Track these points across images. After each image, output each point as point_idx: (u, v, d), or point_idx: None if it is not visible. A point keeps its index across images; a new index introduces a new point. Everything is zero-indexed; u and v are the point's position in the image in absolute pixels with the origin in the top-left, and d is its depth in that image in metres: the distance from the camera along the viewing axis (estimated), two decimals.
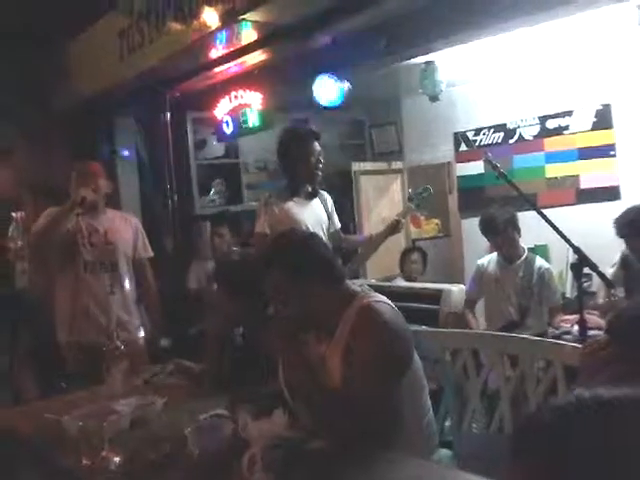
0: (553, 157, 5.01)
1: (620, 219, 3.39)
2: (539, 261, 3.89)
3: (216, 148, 5.55)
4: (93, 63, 4.75)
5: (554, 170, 5.00)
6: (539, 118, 5.06)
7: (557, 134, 4.97)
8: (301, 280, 1.87)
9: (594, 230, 4.31)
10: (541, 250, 4.90)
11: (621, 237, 3.39)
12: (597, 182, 4.77)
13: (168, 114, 4.75)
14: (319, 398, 1.88)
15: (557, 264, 4.81)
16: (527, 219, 4.59)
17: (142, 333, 3.59)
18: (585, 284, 3.07)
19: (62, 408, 2.22)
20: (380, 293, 2.01)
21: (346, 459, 1.70)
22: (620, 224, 3.36)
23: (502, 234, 3.83)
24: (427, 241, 5.85)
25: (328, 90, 4.15)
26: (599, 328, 2.93)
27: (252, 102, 4.29)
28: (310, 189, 3.32)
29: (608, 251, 4.05)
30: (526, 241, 4.93)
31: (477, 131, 5.46)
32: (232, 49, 3.85)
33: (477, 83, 5.22)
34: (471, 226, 5.59)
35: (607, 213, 4.67)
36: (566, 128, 4.91)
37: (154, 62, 4.09)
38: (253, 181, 5.74)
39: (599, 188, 4.75)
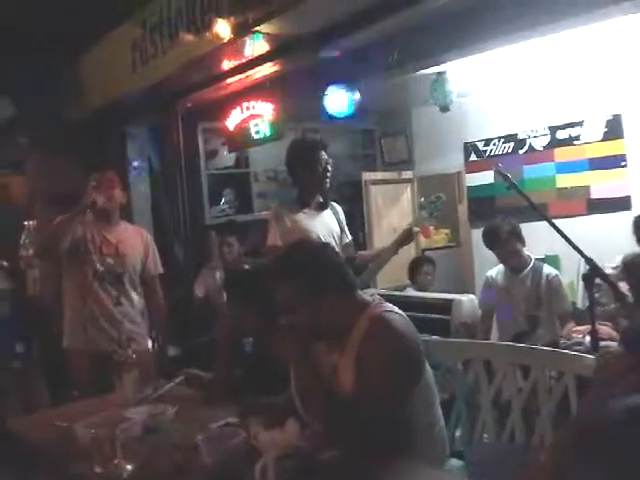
0: (564, 167, 5.00)
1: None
2: (547, 269, 3.87)
3: (227, 158, 5.58)
4: (106, 74, 4.79)
5: (565, 180, 5.00)
6: (549, 128, 5.06)
7: (568, 144, 4.96)
8: (312, 290, 1.88)
9: (605, 240, 4.30)
10: (552, 261, 4.89)
11: (637, 238, 3.36)
12: (608, 192, 4.76)
13: (180, 125, 4.77)
14: (331, 407, 1.88)
15: (568, 275, 4.79)
16: (538, 230, 4.58)
17: (150, 344, 3.60)
18: (596, 294, 3.05)
19: (73, 416, 2.23)
20: (390, 303, 2.01)
21: (358, 468, 1.70)
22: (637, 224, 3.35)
23: (506, 246, 3.83)
24: (437, 251, 5.84)
25: (339, 101, 4.17)
26: (611, 339, 2.92)
27: (263, 113, 4.32)
28: (321, 200, 3.33)
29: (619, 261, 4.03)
30: (537, 252, 4.92)
31: (487, 141, 5.47)
32: (244, 61, 3.87)
33: (487, 93, 5.23)
34: (481, 236, 5.59)
35: (618, 223, 4.68)
36: (577, 138, 4.91)
37: (167, 73, 4.12)
38: (263, 190, 5.76)
39: (610, 198, 4.74)
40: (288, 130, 4.57)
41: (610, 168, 4.73)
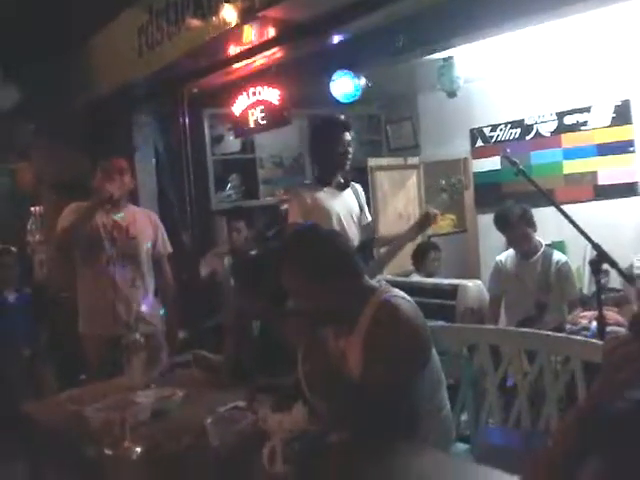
0: (571, 153, 4.98)
1: None
2: (557, 255, 3.88)
3: (232, 143, 5.57)
4: (112, 60, 4.78)
5: (572, 166, 4.98)
6: (557, 114, 5.03)
7: (575, 130, 4.94)
8: (320, 275, 1.89)
9: (612, 226, 4.30)
10: (558, 247, 4.87)
11: None
12: (615, 178, 4.73)
13: (185, 110, 4.77)
14: (338, 392, 1.89)
15: (574, 260, 4.78)
16: (544, 215, 4.58)
17: (161, 326, 3.63)
18: (602, 280, 3.05)
19: (83, 399, 2.25)
20: (396, 289, 2.02)
21: (364, 452, 1.71)
22: None
23: (516, 229, 3.83)
24: (443, 237, 5.84)
25: (345, 86, 4.15)
26: (618, 324, 2.92)
27: (270, 98, 4.31)
28: (342, 180, 3.31)
29: (626, 247, 4.04)
30: (544, 237, 4.91)
31: (494, 127, 5.44)
32: (250, 46, 3.86)
33: (494, 79, 5.20)
34: (487, 222, 5.57)
35: (625, 209, 4.67)
36: (584, 124, 4.88)
37: (173, 59, 4.11)
38: (269, 176, 5.75)
39: (617, 184, 4.72)
40: (294, 116, 4.55)
41: (618, 154, 4.70)
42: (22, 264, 5.23)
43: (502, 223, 3.90)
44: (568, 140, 4.99)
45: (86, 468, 2.00)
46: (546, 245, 4.01)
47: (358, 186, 3.44)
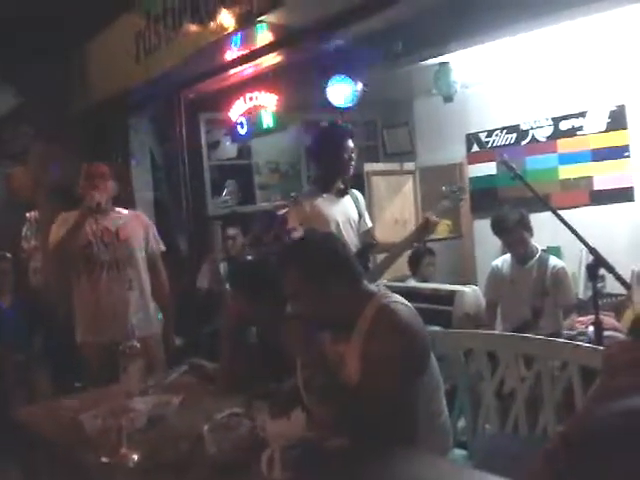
0: (566, 158, 4.99)
1: None
2: (553, 260, 3.88)
3: (229, 149, 5.57)
4: (109, 65, 4.78)
5: (567, 171, 4.99)
6: (552, 119, 5.05)
7: (570, 135, 4.95)
8: (319, 280, 1.88)
9: (608, 231, 4.31)
10: (554, 252, 4.88)
11: None
12: (611, 183, 4.75)
13: (182, 115, 4.77)
14: (336, 397, 1.89)
15: (570, 266, 4.78)
16: (540, 221, 4.59)
17: (158, 330, 3.61)
18: (599, 285, 3.05)
19: (79, 406, 2.24)
20: (395, 294, 2.02)
21: (363, 458, 1.71)
22: None
23: (513, 234, 3.84)
24: (438, 242, 5.84)
25: (342, 91, 4.16)
26: (614, 329, 2.93)
27: (267, 103, 4.31)
28: (342, 186, 3.33)
29: (622, 252, 4.05)
30: (539, 242, 4.91)
31: (489, 132, 5.46)
32: (247, 51, 3.86)
33: (490, 84, 5.22)
34: (483, 227, 5.58)
35: (621, 214, 4.68)
36: (579, 129, 4.90)
37: (170, 64, 4.11)
38: (265, 182, 5.75)
39: (613, 189, 4.73)
40: (291, 122, 4.57)
41: (613, 159, 4.72)
42: (17, 270, 5.21)
43: (499, 228, 3.91)
44: (564, 145, 5.00)
45: (82, 476, 1.99)
46: (542, 250, 4.01)
47: (357, 193, 3.45)
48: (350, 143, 3.26)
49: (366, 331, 1.87)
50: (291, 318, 2.06)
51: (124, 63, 4.58)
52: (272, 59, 3.91)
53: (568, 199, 4.81)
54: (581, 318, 3.43)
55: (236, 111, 4.57)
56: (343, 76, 4.11)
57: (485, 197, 5.48)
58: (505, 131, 5.34)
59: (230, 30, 3.55)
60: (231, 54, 3.96)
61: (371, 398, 1.79)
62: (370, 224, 3.45)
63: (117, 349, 2.54)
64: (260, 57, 3.88)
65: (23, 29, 4.67)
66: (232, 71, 4.15)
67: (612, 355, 1.24)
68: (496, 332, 3.54)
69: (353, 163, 3.29)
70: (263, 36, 3.67)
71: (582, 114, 4.87)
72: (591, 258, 2.59)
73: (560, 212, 2.72)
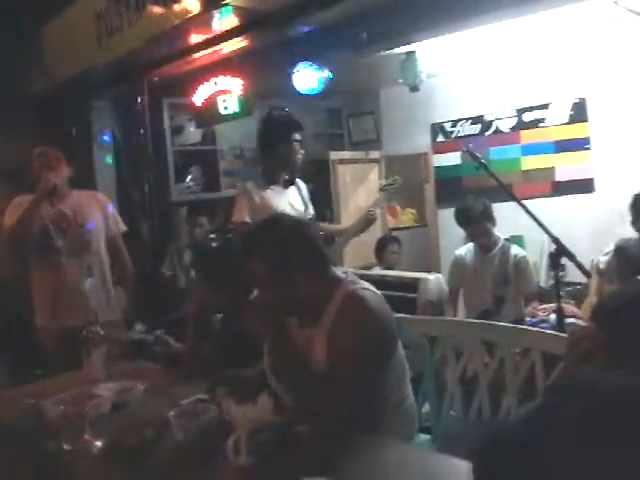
0: (529, 149, 5.07)
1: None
2: (515, 249, 3.94)
3: (193, 134, 5.49)
4: (69, 46, 4.66)
5: (530, 162, 5.07)
6: (516, 111, 5.12)
7: (533, 127, 5.02)
8: (286, 265, 1.87)
9: (568, 222, 4.39)
10: (517, 241, 4.95)
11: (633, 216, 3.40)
12: (572, 175, 4.84)
13: (146, 99, 4.68)
14: (303, 382, 1.89)
15: (532, 255, 4.86)
16: (502, 210, 4.65)
17: (119, 314, 3.56)
18: (560, 274, 3.11)
19: (41, 393, 2.20)
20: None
21: (329, 443, 1.71)
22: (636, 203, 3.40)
23: (477, 225, 3.89)
24: (403, 231, 5.88)
25: (308, 78, 4.14)
26: (575, 317, 2.99)
27: (231, 88, 4.26)
28: (287, 177, 3.34)
29: (582, 242, 4.13)
30: (502, 232, 4.98)
31: (454, 122, 5.50)
32: (212, 35, 3.80)
33: (455, 74, 5.25)
34: (447, 216, 5.63)
35: (581, 205, 4.78)
36: (542, 121, 4.97)
37: (133, 46, 4.02)
38: (230, 168, 5.70)
39: (574, 181, 4.82)
40: (256, 107, 4.52)
41: (574, 151, 4.81)
42: None
43: (463, 218, 3.96)
44: (527, 137, 5.08)
45: (44, 463, 1.95)
46: (505, 239, 4.07)
47: (301, 182, 3.49)
48: (296, 136, 3.28)
49: (333, 317, 1.87)
50: (257, 303, 2.05)
51: (85, 44, 4.46)
52: (237, 43, 3.85)
53: (530, 190, 4.89)
54: (543, 306, 3.49)
55: (200, 96, 4.51)
56: (309, 63, 4.08)
57: (449, 187, 5.53)
58: (470, 121, 5.39)
59: (195, 13, 3.49)
60: (196, 37, 3.89)
61: (338, 383, 1.79)
62: (312, 213, 3.48)
63: (77, 335, 2.50)
64: (225, 41, 3.83)
65: None
66: (196, 55, 4.08)
67: (577, 340, 1.27)
68: (460, 319, 3.59)
69: (299, 156, 3.31)
70: (228, 20, 3.62)
71: (545, 106, 4.94)
72: (553, 247, 2.64)
73: (523, 202, 2.76)
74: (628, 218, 3.48)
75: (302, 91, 4.21)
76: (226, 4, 3.37)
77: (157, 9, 3.72)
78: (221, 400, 1.84)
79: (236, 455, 1.61)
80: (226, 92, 4.32)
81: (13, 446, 2.14)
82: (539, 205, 4.24)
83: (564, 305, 2.73)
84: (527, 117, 5.06)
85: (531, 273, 3.94)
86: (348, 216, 5.54)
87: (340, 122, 6.43)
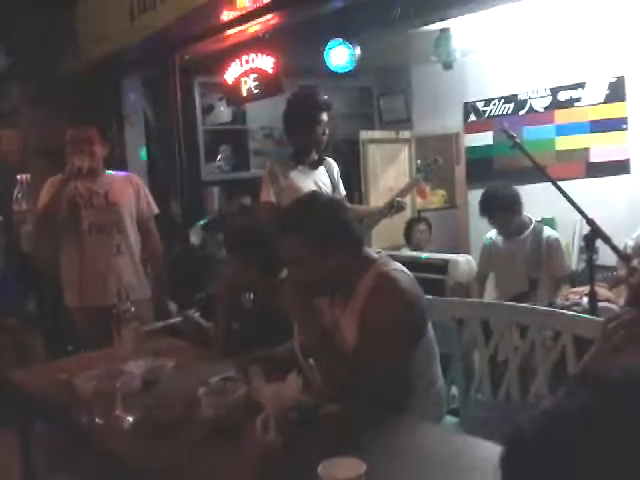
0: (564, 129, 4.96)
1: None
2: (547, 231, 3.86)
3: (223, 114, 5.49)
4: (102, 24, 4.67)
5: (564, 143, 4.96)
6: (551, 90, 5.00)
7: (568, 106, 4.91)
8: (320, 244, 1.86)
9: (603, 204, 4.29)
10: (548, 223, 4.88)
11: None
12: (607, 156, 4.72)
13: (177, 78, 4.68)
14: (333, 361, 1.89)
15: (564, 237, 4.79)
16: (535, 192, 4.58)
17: (150, 294, 3.59)
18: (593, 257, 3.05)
19: (73, 369, 2.24)
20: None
21: (358, 423, 1.71)
22: None
23: (497, 217, 3.81)
24: (433, 212, 5.83)
25: (339, 56, 4.10)
26: (608, 300, 2.94)
27: (262, 67, 4.23)
28: (315, 157, 3.31)
29: (617, 225, 4.05)
30: (533, 214, 4.91)
31: (487, 102, 5.40)
32: (244, 12, 3.78)
33: (488, 53, 5.15)
34: (478, 197, 5.55)
35: (616, 187, 4.67)
36: (578, 100, 4.86)
37: (165, 23, 4.00)
38: (259, 148, 5.69)
39: (609, 162, 4.71)
40: (286, 86, 4.49)
41: (611, 131, 4.69)
42: (9, 234, 5.16)
43: (483, 209, 3.89)
44: (561, 116, 4.97)
45: (77, 438, 1.99)
46: (536, 221, 4.00)
47: (332, 162, 3.44)
48: (324, 117, 3.22)
49: (365, 297, 1.86)
50: (289, 282, 2.05)
51: (117, 22, 4.47)
52: (269, 21, 3.82)
53: (564, 170, 4.79)
54: (575, 289, 3.44)
55: (231, 74, 4.49)
56: (341, 40, 4.04)
57: (480, 167, 5.45)
58: (503, 100, 5.29)
59: None
60: (227, 14, 3.87)
61: (368, 364, 1.79)
62: (343, 193, 3.44)
63: (107, 313, 2.53)
64: (256, 19, 3.80)
65: None
66: (228, 32, 4.06)
67: (613, 332, 1.23)
68: (490, 301, 3.55)
69: (326, 137, 3.26)
70: None
71: (581, 85, 4.82)
72: (586, 229, 2.59)
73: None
74: None
75: (333, 69, 4.17)
76: None
77: None
78: (251, 379, 1.85)
79: (265, 434, 1.62)
80: (257, 70, 4.29)
81: (46, 420, 2.19)
82: (573, 186, 4.16)
83: (597, 289, 2.68)
84: (562, 96, 4.95)
85: (563, 255, 3.86)
86: (377, 196, 5.51)
87: (371, 101, 6.36)
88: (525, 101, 5.16)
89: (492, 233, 4.08)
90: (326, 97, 3.36)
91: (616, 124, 4.66)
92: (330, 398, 1.76)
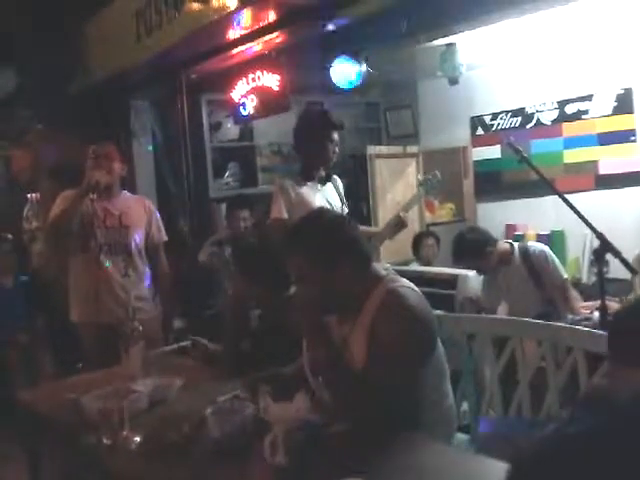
0: (572, 142, 4.95)
1: None
2: (531, 247, 3.79)
3: (230, 131, 5.52)
4: (109, 44, 4.72)
5: (572, 156, 4.94)
6: (558, 102, 4.99)
7: (576, 119, 4.90)
8: (327, 261, 1.85)
9: (613, 216, 4.27)
10: (557, 236, 4.87)
11: None
12: (616, 168, 4.70)
13: (184, 96, 4.71)
14: (342, 379, 1.87)
15: (574, 250, 4.78)
16: (544, 205, 4.57)
17: (156, 314, 3.60)
18: (604, 270, 3.02)
19: (81, 388, 2.23)
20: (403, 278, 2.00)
21: (367, 442, 1.70)
22: None
23: (473, 262, 3.77)
24: (442, 226, 5.81)
25: (346, 72, 4.10)
26: None
27: (268, 84, 4.25)
28: (324, 174, 3.34)
29: (627, 237, 4.02)
30: (542, 227, 4.90)
31: (494, 115, 5.41)
32: (250, 30, 3.80)
33: (495, 66, 5.16)
34: (486, 211, 5.57)
35: (626, 199, 4.65)
36: (585, 113, 4.85)
37: (171, 43, 4.04)
38: (267, 164, 5.72)
39: (618, 174, 4.69)
40: (293, 103, 4.51)
41: (619, 143, 4.67)
42: (19, 251, 5.19)
43: (457, 258, 3.86)
44: (569, 129, 4.96)
45: (84, 457, 1.98)
46: (516, 242, 3.92)
47: (338, 179, 3.48)
48: (335, 136, 3.26)
49: (373, 314, 1.85)
50: (297, 300, 2.04)
51: (124, 42, 4.52)
52: (275, 39, 3.85)
53: (573, 183, 4.77)
54: (586, 303, 3.40)
55: (238, 92, 4.52)
56: (347, 56, 4.05)
57: (489, 181, 5.45)
58: (510, 114, 5.29)
59: (232, 8, 3.49)
60: (233, 33, 3.90)
61: (377, 382, 1.77)
62: (346, 210, 3.46)
63: (115, 331, 2.53)
64: (262, 36, 3.82)
65: (23, 10, 4.61)
66: (234, 51, 4.09)
67: None
68: (499, 316, 3.51)
69: (335, 155, 3.30)
70: (266, 15, 3.61)
71: (588, 97, 4.81)
72: (596, 243, 2.57)
73: (565, 197, 2.69)
74: None
75: (340, 85, 4.18)
76: None
77: (195, 5, 3.73)
78: (259, 398, 1.84)
79: (273, 454, 1.60)
80: (263, 88, 4.31)
81: (56, 440, 2.18)
82: (582, 199, 4.14)
83: (608, 302, 2.65)
84: (569, 109, 4.94)
85: (554, 262, 3.75)
86: (385, 211, 5.50)
87: (378, 116, 6.38)
88: (532, 114, 5.16)
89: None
90: (334, 116, 3.39)
91: (625, 136, 4.65)
92: (339, 417, 1.74)
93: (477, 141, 5.57)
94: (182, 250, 4.75)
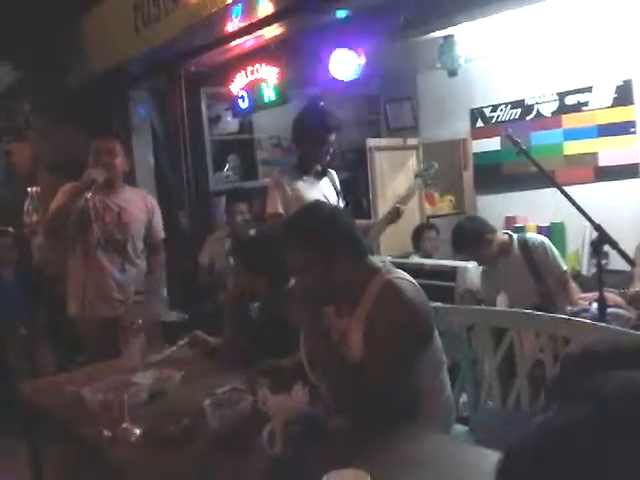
0: (571, 134, 4.93)
1: None
2: (531, 238, 3.78)
3: (230, 124, 5.51)
4: (107, 37, 4.71)
5: (572, 147, 4.93)
6: (558, 94, 4.98)
7: (576, 110, 4.88)
8: (324, 254, 1.86)
9: (612, 208, 4.27)
10: (557, 228, 4.87)
11: None
12: (616, 160, 4.69)
13: (183, 89, 4.70)
14: (339, 371, 1.88)
15: (573, 242, 4.78)
16: (543, 197, 4.56)
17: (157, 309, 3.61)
18: (603, 262, 3.02)
19: (81, 381, 2.24)
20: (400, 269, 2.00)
21: (365, 434, 1.70)
22: None
23: (472, 251, 3.76)
24: (442, 218, 5.81)
25: (344, 65, 4.10)
26: (617, 306, 2.91)
27: (268, 77, 4.25)
28: (319, 168, 3.36)
29: (626, 229, 4.02)
30: (542, 219, 4.89)
31: (494, 107, 5.39)
32: (249, 22, 3.80)
33: (494, 58, 5.14)
34: (486, 203, 5.56)
35: (626, 191, 4.64)
36: (585, 104, 4.83)
37: (170, 36, 4.03)
38: (267, 157, 5.71)
39: (618, 166, 4.68)
40: (292, 95, 4.50)
41: (619, 135, 4.66)
42: (19, 245, 5.20)
43: (457, 247, 3.84)
44: (569, 121, 4.94)
45: (84, 450, 2.00)
46: (515, 233, 3.92)
47: (333, 172, 3.49)
48: (332, 137, 3.27)
49: (370, 306, 1.86)
50: (295, 292, 2.05)
51: (123, 35, 4.51)
52: (274, 31, 3.84)
53: (573, 175, 4.77)
54: (584, 295, 3.40)
55: (237, 85, 4.51)
56: (346, 49, 4.04)
57: (489, 173, 5.44)
58: (510, 106, 5.28)
59: (231, 1, 3.49)
60: (232, 25, 3.89)
61: (375, 373, 1.78)
62: (343, 203, 3.48)
63: (113, 325, 2.54)
64: (261, 29, 3.82)
65: (20, 3, 4.60)
66: (233, 43, 4.08)
67: None
68: (498, 308, 3.52)
69: (331, 154, 3.34)
70: (265, 7, 3.61)
71: (588, 89, 4.80)
72: (595, 234, 2.57)
73: (564, 188, 2.69)
74: None
75: (339, 78, 4.18)
76: None
77: None
78: (258, 390, 1.85)
79: (271, 445, 1.61)
80: (263, 80, 4.31)
81: (56, 432, 2.19)
82: (582, 191, 4.15)
83: (607, 294, 2.65)
84: (569, 100, 4.92)
85: (554, 253, 3.75)
86: (385, 204, 5.49)
87: (377, 109, 6.37)
88: (532, 106, 5.14)
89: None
90: (336, 116, 3.40)
91: (624, 128, 4.63)
92: (336, 408, 1.75)
93: (477, 133, 5.56)
94: (181, 243, 4.76)
